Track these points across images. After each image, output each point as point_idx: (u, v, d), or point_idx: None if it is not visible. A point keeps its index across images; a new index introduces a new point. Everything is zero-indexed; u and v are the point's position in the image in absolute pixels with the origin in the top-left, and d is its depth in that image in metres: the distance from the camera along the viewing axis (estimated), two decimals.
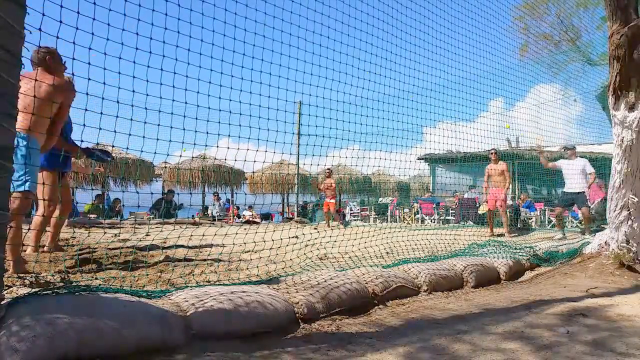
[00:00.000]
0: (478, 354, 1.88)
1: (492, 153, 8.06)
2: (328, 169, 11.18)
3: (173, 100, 2.61)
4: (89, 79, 2.27)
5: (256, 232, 3.40)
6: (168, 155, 2.67)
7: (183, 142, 2.68)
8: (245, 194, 18.20)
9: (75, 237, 5.38)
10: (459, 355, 1.88)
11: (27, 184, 3.06)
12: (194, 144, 2.77)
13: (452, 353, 1.90)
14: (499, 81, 6.34)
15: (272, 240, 3.43)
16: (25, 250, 3.94)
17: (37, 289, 2.01)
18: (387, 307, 2.89)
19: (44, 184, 3.56)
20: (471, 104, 5.68)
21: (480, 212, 8.69)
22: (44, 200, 3.67)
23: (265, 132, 3.20)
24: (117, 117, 2.35)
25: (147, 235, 6.15)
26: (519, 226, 10.00)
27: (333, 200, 11.08)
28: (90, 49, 2.18)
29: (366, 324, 2.46)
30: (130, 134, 2.43)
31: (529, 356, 1.86)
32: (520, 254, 4.88)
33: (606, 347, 1.97)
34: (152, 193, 12.46)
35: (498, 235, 7.64)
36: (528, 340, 2.07)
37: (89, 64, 2.23)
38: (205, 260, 3.94)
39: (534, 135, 7.49)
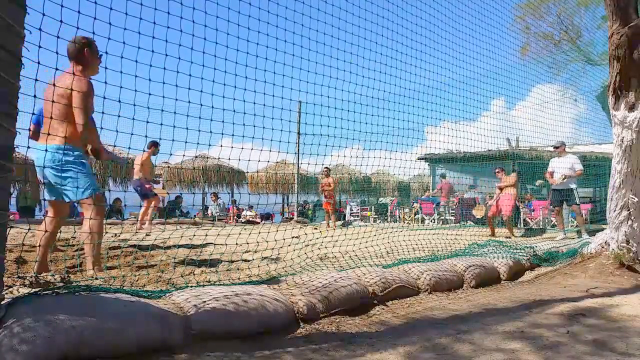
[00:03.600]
0: (479, 354, 1.88)
1: (497, 172, 8.20)
2: (326, 168, 11.12)
3: (176, 100, 2.61)
4: (90, 78, 2.27)
5: (259, 233, 3.40)
6: (171, 154, 2.67)
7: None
8: (249, 194, 18.18)
9: (75, 237, 5.38)
10: (459, 355, 1.88)
11: (91, 189, 3.22)
12: (197, 143, 2.77)
13: (453, 353, 1.90)
14: (502, 80, 6.36)
15: (275, 240, 3.43)
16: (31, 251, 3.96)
17: (37, 289, 2.01)
18: (388, 307, 2.89)
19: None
20: (473, 103, 5.69)
21: (475, 214, 8.76)
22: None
23: (267, 132, 3.21)
24: (119, 116, 2.35)
25: (147, 235, 6.15)
26: (519, 226, 10.03)
27: (331, 200, 11.03)
28: None
29: (366, 324, 2.46)
30: (132, 134, 2.43)
31: (530, 356, 1.86)
32: (520, 254, 4.88)
33: (607, 347, 1.97)
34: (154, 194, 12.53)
35: (506, 237, 7.66)
36: (529, 340, 2.06)
37: None
38: (206, 260, 3.94)
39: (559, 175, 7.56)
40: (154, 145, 7.25)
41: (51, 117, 2.80)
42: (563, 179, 7.36)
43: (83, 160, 3.25)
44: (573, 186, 7.46)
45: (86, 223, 3.22)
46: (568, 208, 8.44)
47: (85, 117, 3.05)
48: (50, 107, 2.70)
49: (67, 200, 3.23)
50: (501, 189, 8.23)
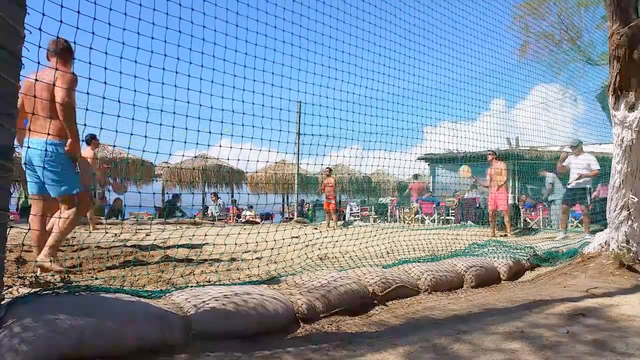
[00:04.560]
0: (479, 354, 1.88)
1: (490, 154, 8.16)
2: (327, 168, 11.14)
3: (175, 100, 2.61)
4: (90, 79, 2.28)
5: (258, 233, 3.40)
6: (170, 155, 2.67)
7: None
8: (248, 194, 18.20)
9: (75, 237, 5.38)
10: (459, 355, 1.88)
11: (77, 189, 3.23)
12: (197, 143, 2.77)
13: (453, 353, 1.90)
14: (502, 80, 6.37)
15: (274, 240, 3.43)
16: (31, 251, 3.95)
17: (37, 289, 2.01)
18: (387, 307, 2.89)
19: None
20: (473, 103, 5.69)
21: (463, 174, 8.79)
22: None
23: (266, 132, 3.21)
24: (119, 116, 2.35)
25: (147, 235, 6.15)
26: (520, 226, 10.06)
27: (332, 200, 11.07)
28: (91, 48, 2.19)
29: (366, 324, 2.46)
30: (132, 134, 2.43)
31: (530, 356, 1.86)
32: (520, 254, 4.88)
33: (607, 347, 1.97)
34: (154, 193, 12.56)
35: (501, 236, 7.73)
36: (529, 340, 2.06)
37: (90, 63, 2.24)
38: (205, 260, 3.94)
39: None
40: (94, 139, 7.09)
41: (33, 113, 2.80)
42: (579, 179, 7.34)
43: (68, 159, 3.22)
44: (588, 186, 7.45)
45: (61, 219, 3.17)
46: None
47: (71, 110, 3.06)
48: (38, 102, 2.68)
49: (52, 195, 3.20)
50: (491, 180, 8.27)
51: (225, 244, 3.32)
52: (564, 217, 7.91)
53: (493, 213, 8.34)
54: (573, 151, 7.63)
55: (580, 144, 7.65)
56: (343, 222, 13.49)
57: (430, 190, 14.93)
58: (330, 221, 10.93)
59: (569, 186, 7.61)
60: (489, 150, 8.17)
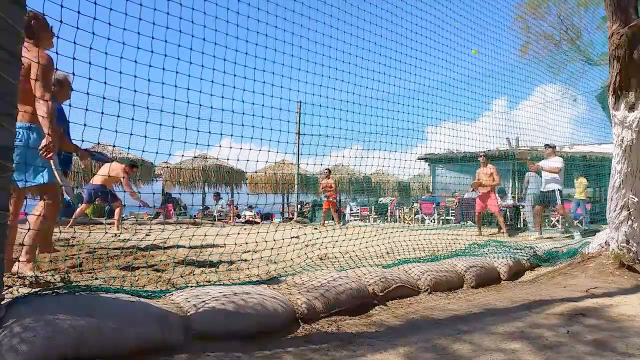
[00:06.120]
0: (479, 354, 1.88)
1: (480, 156, 8.24)
2: (326, 169, 11.19)
3: (175, 100, 2.61)
4: (90, 79, 2.27)
5: (258, 233, 3.40)
6: (170, 155, 2.66)
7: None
8: (248, 194, 18.22)
9: (75, 237, 5.38)
10: (459, 355, 1.88)
11: (46, 176, 2.96)
12: (197, 143, 2.77)
13: (453, 353, 1.90)
14: (503, 80, 6.38)
15: (274, 240, 3.43)
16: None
17: (37, 289, 2.01)
18: (388, 307, 2.89)
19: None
20: (474, 103, 5.70)
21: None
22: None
23: (266, 132, 3.21)
24: (119, 116, 2.35)
25: (147, 235, 6.15)
26: (519, 226, 10.09)
27: (333, 200, 11.14)
28: (90, 48, 2.18)
29: (366, 324, 2.46)
30: (131, 134, 2.43)
31: (530, 356, 1.86)
32: (520, 254, 4.88)
33: (607, 347, 1.97)
34: (154, 193, 12.64)
35: (499, 233, 7.82)
36: (529, 340, 2.06)
37: (90, 63, 2.23)
38: (205, 260, 3.94)
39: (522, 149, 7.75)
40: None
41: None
42: (538, 173, 7.50)
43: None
44: (555, 187, 7.53)
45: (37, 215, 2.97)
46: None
47: (49, 91, 2.77)
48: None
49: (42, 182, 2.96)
50: (480, 184, 8.33)
51: (225, 244, 3.31)
52: (539, 218, 7.99)
53: (480, 214, 8.46)
54: (545, 152, 7.77)
55: (554, 147, 7.75)
56: (341, 222, 13.51)
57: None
58: (328, 220, 10.98)
59: (542, 189, 7.75)
60: (480, 153, 8.25)
